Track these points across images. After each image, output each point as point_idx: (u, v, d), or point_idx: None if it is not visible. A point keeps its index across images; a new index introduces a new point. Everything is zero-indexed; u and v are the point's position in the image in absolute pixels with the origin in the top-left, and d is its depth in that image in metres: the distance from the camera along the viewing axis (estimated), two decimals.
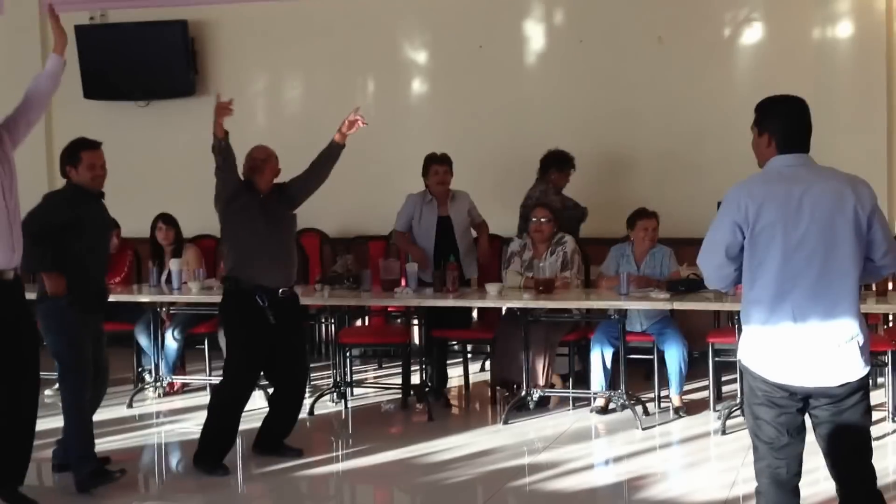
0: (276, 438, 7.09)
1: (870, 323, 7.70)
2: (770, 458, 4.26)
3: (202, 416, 6.98)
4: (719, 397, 8.00)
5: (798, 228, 4.15)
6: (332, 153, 7.28)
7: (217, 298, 7.75)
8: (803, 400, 4.22)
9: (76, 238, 6.18)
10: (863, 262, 4.21)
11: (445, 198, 8.68)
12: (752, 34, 9.77)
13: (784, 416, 4.23)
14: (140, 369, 9.01)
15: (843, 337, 4.15)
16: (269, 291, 6.79)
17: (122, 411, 8.11)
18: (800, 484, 4.30)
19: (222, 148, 6.73)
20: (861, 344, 4.17)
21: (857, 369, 4.16)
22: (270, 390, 7.97)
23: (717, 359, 7.82)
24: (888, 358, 7.34)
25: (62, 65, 6.19)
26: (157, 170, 10.82)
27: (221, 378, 7.07)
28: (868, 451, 4.29)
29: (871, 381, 4.39)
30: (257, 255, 6.79)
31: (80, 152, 6.36)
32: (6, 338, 5.70)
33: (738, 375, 7.57)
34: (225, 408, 6.85)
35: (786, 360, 4.18)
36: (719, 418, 7.42)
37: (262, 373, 7.10)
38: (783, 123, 4.33)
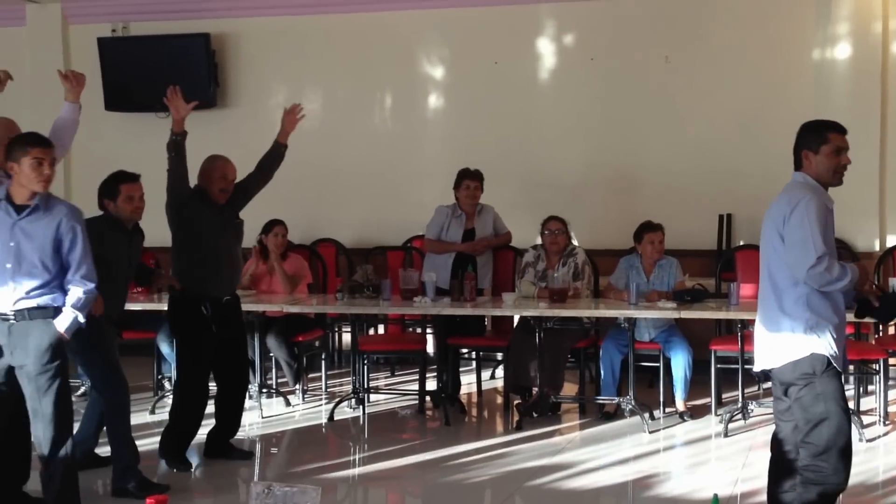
0: (223, 440, 7.45)
1: (861, 332, 8.28)
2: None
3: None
4: (721, 402, 8.48)
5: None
6: (276, 154, 7.45)
7: (248, 307, 8.22)
8: (782, 386, 5.06)
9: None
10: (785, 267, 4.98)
11: (473, 212, 9.14)
12: (755, 55, 10.26)
13: (776, 400, 5.15)
14: (160, 377, 9.33)
15: (769, 327, 5.06)
16: (213, 300, 7.14)
17: (144, 417, 8.43)
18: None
19: (179, 144, 6.88)
20: (775, 338, 5.02)
21: (777, 357, 5.02)
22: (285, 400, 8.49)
23: (719, 365, 8.30)
24: (879, 366, 7.84)
25: (78, 110, 6.49)
26: None
27: (176, 386, 7.38)
28: (804, 444, 5.01)
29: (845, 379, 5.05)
30: (206, 265, 7.08)
31: (119, 185, 6.61)
32: None
33: (738, 381, 8.15)
34: (184, 413, 7.20)
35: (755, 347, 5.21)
36: (721, 422, 7.93)
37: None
38: None
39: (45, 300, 5.62)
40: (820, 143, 5.04)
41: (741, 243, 9.78)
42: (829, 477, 4.93)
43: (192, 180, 7.15)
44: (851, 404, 7.99)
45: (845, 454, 4.95)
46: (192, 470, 7.15)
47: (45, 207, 5.60)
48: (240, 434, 7.65)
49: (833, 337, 4.95)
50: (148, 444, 7.22)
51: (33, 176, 5.50)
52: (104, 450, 6.92)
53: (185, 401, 7.22)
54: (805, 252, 4.84)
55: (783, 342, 5.00)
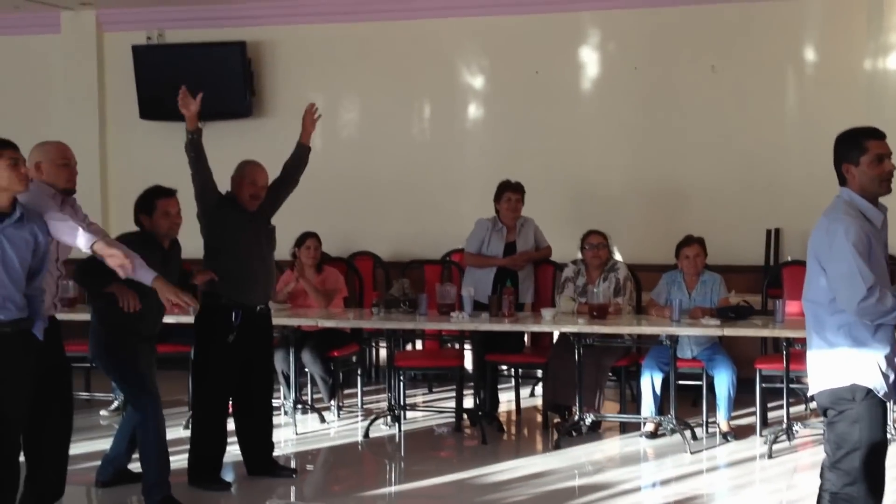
0: (263, 457, 7.50)
1: None
2: None
3: None
4: (766, 422, 8.48)
5: None
6: (300, 156, 7.49)
7: (282, 321, 8.34)
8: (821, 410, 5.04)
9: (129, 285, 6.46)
10: (827, 293, 4.86)
11: (514, 225, 9.20)
12: (805, 64, 10.29)
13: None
14: None
15: (811, 354, 5.00)
16: (247, 309, 7.19)
17: (178, 432, 8.40)
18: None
19: (195, 142, 6.90)
20: (817, 364, 4.95)
21: (817, 383, 4.98)
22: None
23: (764, 385, 8.30)
24: None
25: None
26: None
27: (195, 398, 7.45)
28: (827, 467, 4.95)
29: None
30: (238, 273, 7.10)
31: (155, 200, 6.70)
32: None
33: (784, 401, 8.17)
34: (204, 425, 7.25)
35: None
36: (765, 443, 7.93)
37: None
38: None
39: (26, 311, 5.67)
40: (859, 154, 4.86)
41: (789, 259, 9.76)
42: None
43: (225, 187, 7.25)
44: None
45: (876, 486, 4.87)
46: (231, 489, 7.23)
47: (26, 214, 5.66)
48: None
49: (880, 369, 4.83)
50: (181, 459, 7.26)
51: (14, 177, 5.52)
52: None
53: (207, 419, 7.27)
54: (853, 286, 4.71)
55: (824, 370, 4.93)
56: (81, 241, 5.67)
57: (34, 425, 5.95)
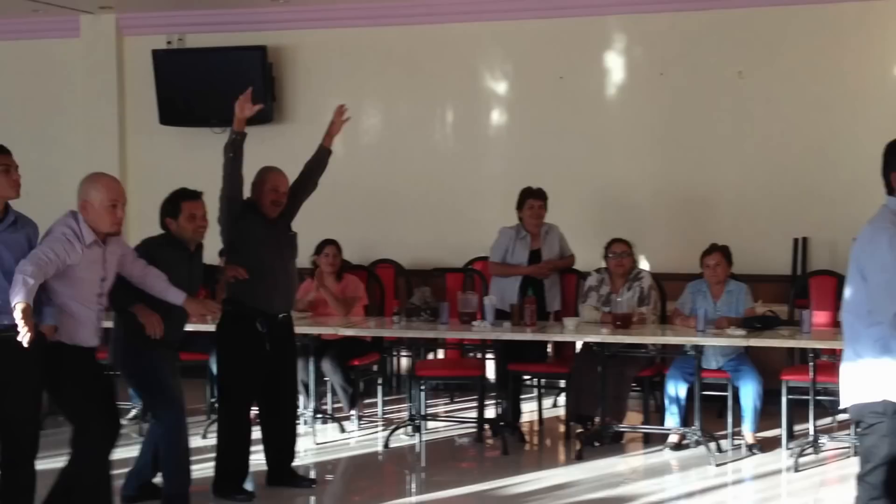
0: (283, 466, 7.51)
1: None
2: None
3: None
4: (792, 435, 8.42)
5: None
6: (322, 158, 7.49)
7: (302, 329, 8.35)
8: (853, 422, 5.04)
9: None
10: (865, 304, 4.81)
11: (538, 232, 9.23)
12: (834, 70, 10.23)
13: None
14: (213, 400, 9.24)
15: (845, 366, 4.96)
16: (269, 316, 7.21)
17: (197, 441, 8.37)
18: None
19: (238, 143, 6.91)
20: (849, 377, 4.93)
21: (849, 397, 4.93)
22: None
23: (790, 396, 8.27)
24: None
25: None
26: None
27: (219, 406, 7.45)
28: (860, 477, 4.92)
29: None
30: (260, 280, 7.08)
31: (181, 202, 6.70)
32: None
33: (810, 413, 8.12)
34: (230, 435, 7.24)
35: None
36: (792, 456, 7.94)
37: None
38: None
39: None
40: None
41: (817, 269, 9.73)
42: None
43: (246, 193, 7.28)
44: None
45: None
46: (253, 500, 7.22)
47: (19, 220, 5.73)
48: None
49: None
50: (199, 468, 7.28)
51: (5, 183, 5.61)
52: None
53: (232, 430, 7.27)
54: (891, 297, 4.68)
55: (856, 383, 4.91)
56: (14, 292, 5.45)
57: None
